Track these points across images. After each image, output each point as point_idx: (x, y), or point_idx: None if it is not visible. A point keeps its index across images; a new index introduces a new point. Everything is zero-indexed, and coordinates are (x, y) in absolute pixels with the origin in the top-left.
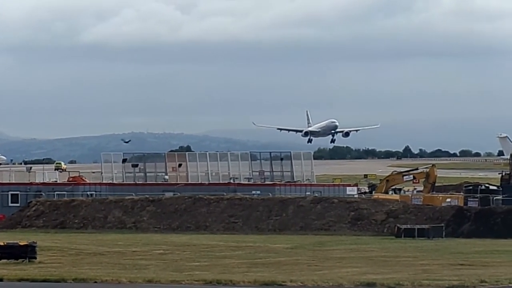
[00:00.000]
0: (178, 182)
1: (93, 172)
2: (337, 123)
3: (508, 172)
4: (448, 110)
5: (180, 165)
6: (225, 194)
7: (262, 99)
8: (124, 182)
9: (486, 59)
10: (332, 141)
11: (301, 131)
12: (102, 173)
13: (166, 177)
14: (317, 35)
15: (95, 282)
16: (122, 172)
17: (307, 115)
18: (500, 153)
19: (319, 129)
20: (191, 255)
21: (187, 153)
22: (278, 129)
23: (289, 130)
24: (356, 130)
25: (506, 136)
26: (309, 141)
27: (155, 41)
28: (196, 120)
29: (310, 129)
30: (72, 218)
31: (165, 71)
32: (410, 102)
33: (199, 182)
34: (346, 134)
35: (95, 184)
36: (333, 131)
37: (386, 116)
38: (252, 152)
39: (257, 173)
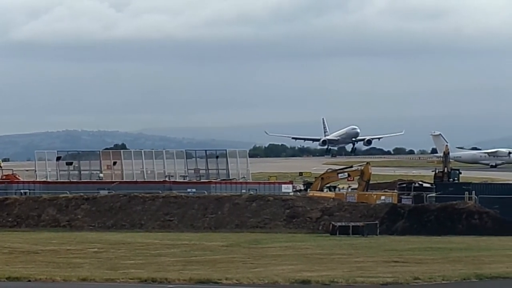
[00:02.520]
0: (113, 180)
1: (27, 170)
2: (358, 130)
3: (442, 170)
4: (382, 108)
5: (115, 163)
6: (160, 192)
7: (197, 98)
8: (58, 180)
9: (420, 58)
10: (353, 150)
11: (318, 139)
12: (36, 171)
13: (101, 175)
14: (252, 33)
15: (29, 280)
16: (56, 170)
17: (324, 122)
18: (434, 151)
19: (338, 137)
20: (126, 253)
21: (122, 151)
22: (293, 138)
23: (304, 139)
24: (379, 138)
25: (440, 134)
26: (327, 150)
27: (88, 39)
28: (131, 118)
29: (328, 137)
30: (6, 216)
31: (99, 69)
32: (344, 100)
33: (134, 180)
34: (368, 142)
35: (28, 182)
36: (354, 139)
37: (321, 114)
38: (187, 150)
39: (193, 171)
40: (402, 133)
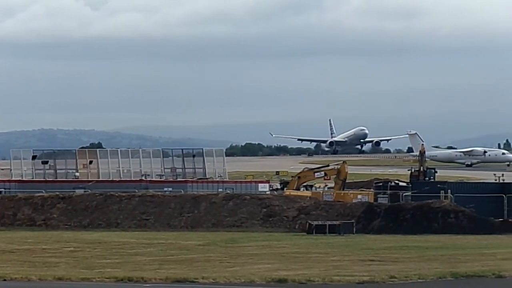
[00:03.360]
0: (89, 179)
1: (2, 169)
2: (366, 131)
3: (418, 169)
4: (360, 107)
5: (91, 162)
6: (136, 191)
7: (174, 97)
8: (34, 179)
9: (396, 57)
10: (361, 151)
11: (325, 141)
12: (11, 170)
13: (77, 174)
14: (229, 32)
15: (5, 280)
16: (32, 169)
17: (330, 124)
18: (410, 150)
19: (346, 139)
20: (102, 253)
21: (98, 150)
22: (299, 139)
23: (311, 140)
24: (387, 140)
25: (416, 133)
26: (335, 152)
27: (64, 37)
28: (107, 117)
29: (335, 139)
30: None
31: (75, 67)
32: (321, 99)
33: (110, 179)
34: (377, 144)
35: (4, 181)
36: (362, 141)
37: (299, 113)
38: (164, 149)
39: (169, 170)
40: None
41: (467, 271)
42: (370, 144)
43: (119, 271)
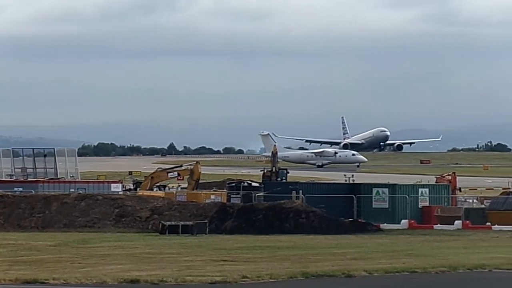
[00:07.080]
0: None
1: None
2: (388, 133)
3: (270, 169)
4: (211, 108)
5: None
6: None
7: (24, 96)
8: None
9: (248, 59)
10: None
11: (337, 143)
12: None
13: None
14: (79, 31)
15: None
16: None
17: (343, 122)
18: (263, 151)
19: (362, 141)
20: None
21: None
22: (307, 141)
23: (321, 142)
24: (410, 143)
25: (268, 134)
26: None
27: None
28: None
29: (349, 140)
30: None
31: None
32: (173, 100)
33: None
34: (399, 147)
35: None
36: (382, 143)
37: (150, 113)
38: (14, 149)
39: (20, 170)
40: (439, 139)
41: (318, 271)
42: (391, 147)
43: None
